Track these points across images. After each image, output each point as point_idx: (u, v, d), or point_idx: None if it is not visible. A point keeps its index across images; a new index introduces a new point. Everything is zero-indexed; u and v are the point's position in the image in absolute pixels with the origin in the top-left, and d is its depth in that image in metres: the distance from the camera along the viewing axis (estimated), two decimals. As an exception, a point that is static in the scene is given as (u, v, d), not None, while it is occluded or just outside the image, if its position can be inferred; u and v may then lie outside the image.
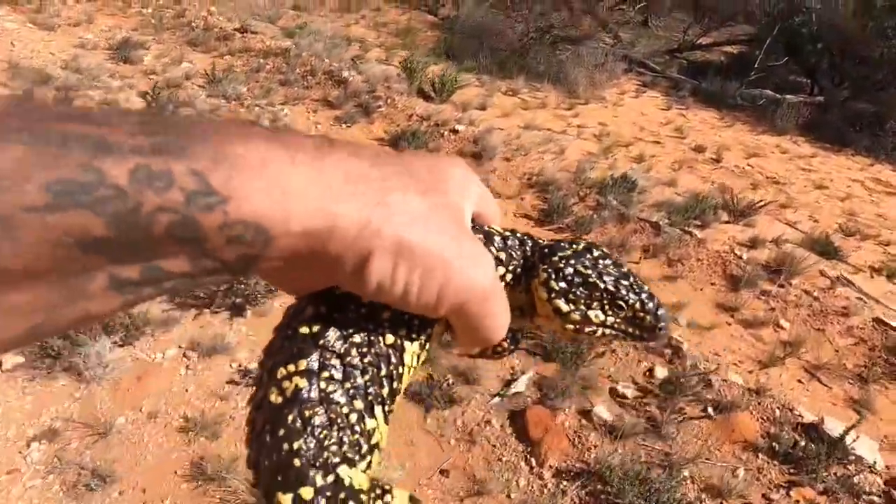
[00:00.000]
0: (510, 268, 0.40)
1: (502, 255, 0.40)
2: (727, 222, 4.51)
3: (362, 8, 10.82)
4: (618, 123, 7.14)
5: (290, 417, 0.31)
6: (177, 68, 6.67)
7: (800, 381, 3.00)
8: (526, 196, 4.42)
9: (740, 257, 3.86)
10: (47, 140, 0.23)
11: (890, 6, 8.88)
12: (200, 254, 0.27)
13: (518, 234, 0.42)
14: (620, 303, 0.39)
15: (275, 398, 0.32)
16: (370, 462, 0.34)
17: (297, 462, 0.30)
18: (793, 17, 10.04)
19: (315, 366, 0.33)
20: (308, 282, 0.34)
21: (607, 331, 0.40)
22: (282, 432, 0.31)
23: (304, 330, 0.34)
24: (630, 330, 0.40)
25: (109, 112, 0.26)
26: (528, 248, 0.41)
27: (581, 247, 0.41)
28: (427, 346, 0.38)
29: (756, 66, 9.91)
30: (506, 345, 0.43)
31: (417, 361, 0.37)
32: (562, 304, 0.38)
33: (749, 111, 8.93)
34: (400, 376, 0.36)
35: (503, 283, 0.38)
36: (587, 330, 0.39)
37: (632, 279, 0.40)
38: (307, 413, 0.31)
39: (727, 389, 2.73)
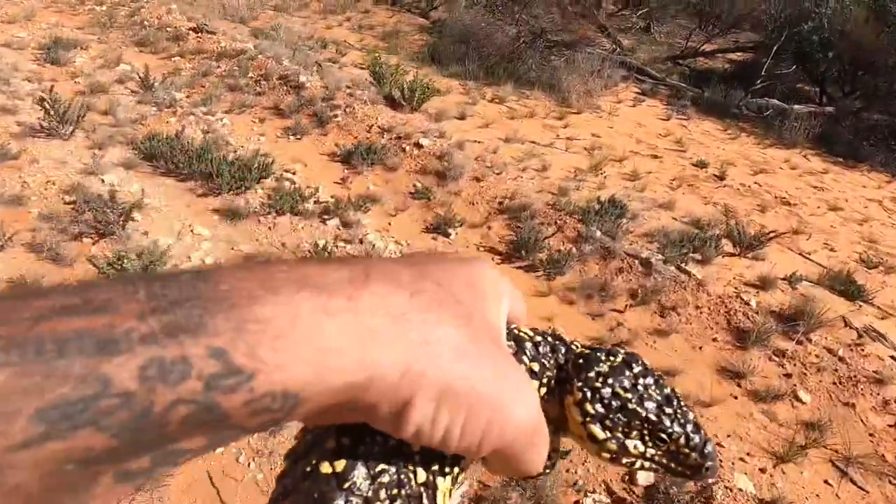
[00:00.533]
0: (544, 380, 0.36)
1: (535, 367, 0.36)
2: (732, 255, 3.79)
3: (350, 10, 10.16)
4: (612, 135, 6.43)
5: None
6: (110, 71, 5.95)
7: (827, 482, 2.30)
8: (494, 224, 3.73)
9: (748, 303, 3.14)
10: (39, 351, 0.20)
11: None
12: (220, 429, 0.24)
13: (549, 338, 0.37)
14: (663, 435, 0.34)
15: None
16: None
17: None
18: (802, 23, 9.30)
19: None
20: (337, 419, 0.29)
21: (646, 463, 0.35)
22: None
23: (326, 469, 0.29)
24: (672, 465, 0.35)
25: (114, 287, 0.23)
26: (560, 356, 0.37)
27: (619, 360, 0.36)
28: (458, 482, 0.34)
29: (763, 73, 9.17)
30: (541, 468, 0.35)
31: (448, 499, 0.33)
32: (597, 431, 0.34)
33: (755, 122, 8.20)
34: None
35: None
36: (624, 461, 0.35)
37: (675, 406, 0.35)
38: None
39: (734, 501, 2.03)
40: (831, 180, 6.51)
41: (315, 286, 0.26)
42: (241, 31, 7.35)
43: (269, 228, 3.81)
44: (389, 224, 4.02)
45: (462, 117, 5.71)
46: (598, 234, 3.39)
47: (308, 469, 0.30)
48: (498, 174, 4.23)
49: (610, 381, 0.35)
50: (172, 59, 6.35)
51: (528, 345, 0.36)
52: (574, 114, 6.89)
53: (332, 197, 4.16)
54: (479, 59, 7.63)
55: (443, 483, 0.32)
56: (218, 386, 0.22)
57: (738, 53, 11.88)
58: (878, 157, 7.40)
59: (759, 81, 9.12)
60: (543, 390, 0.36)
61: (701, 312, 2.96)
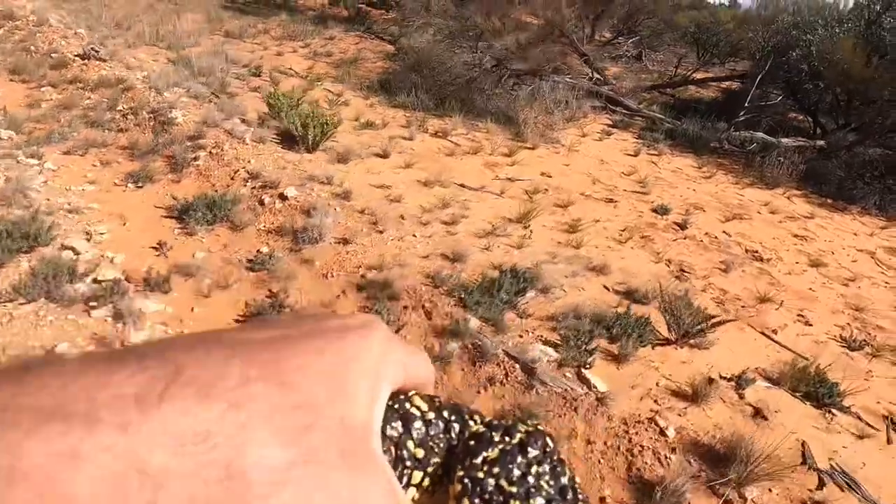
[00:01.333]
0: (429, 469, 0.29)
1: (419, 453, 0.29)
2: (665, 343, 2.88)
3: (314, 36, 9.49)
4: (567, 174, 5.58)
5: None
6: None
7: None
8: (343, 306, 2.89)
9: (664, 432, 2.19)
10: None
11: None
12: None
13: (445, 413, 0.31)
14: None
15: None
16: None
17: None
18: (790, 51, 8.42)
19: None
20: None
21: None
22: None
23: None
24: None
25: None
26: (453, 436, 0.30)
27: (515, 441, 0.29)
28: None
29: (747, 104, 8.28)
30: None
31: None
32: None
33: (736, 158, 7.31)
34: None
35: (421, 490, 0.29)
36: None
37: (569, 501, 0.28)
38: None
39: None
40: (817, 227, 5.57)
41: (69, 416, 0.20)
42: (157, 58, 6.65)
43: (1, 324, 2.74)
44: (192, 311, 3.05)
45: (385, 155, 4.89)
46: (474, 323, 2.49)
47: None
48: (379, 233, 3.36)
49: (496, 470, 0.29)
50: (42, 88, 5.55)
51: (418, 424, 0.30)
52: (527, 149, 6.05)
53: (121, 273, 3.19)
54: (435, 87, 6.86)
55: None
56: None
57: (731, 83, 11.02)
58: (871, 197, 6.46)
59: (742, 113, 8.24)
60: (427, 481, 0.29)
61: (592, 451, 2.03)
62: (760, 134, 8.05)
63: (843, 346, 3.46)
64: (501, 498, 0.28)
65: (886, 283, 4.60)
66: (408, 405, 0.30)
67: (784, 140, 8.15)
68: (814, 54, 7.86)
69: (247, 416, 0.23)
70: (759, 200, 5.94)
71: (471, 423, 0.31)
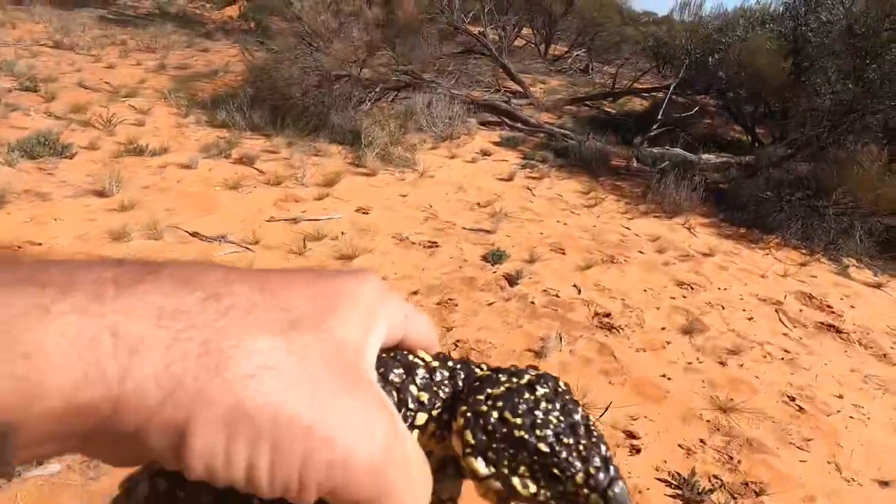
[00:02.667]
0: (434, 412, 0.27)
1: (424, 396, 0.27)
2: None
3: (180, 48, 8.16)
4: (396, 208, 4.24)
5: None
6: None
7: None
8: None
9: None
10: None
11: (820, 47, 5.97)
12: None
13: (451, 363, 0.29)
14: (556, 471, 0.25)
15: None
16: None
17: None
18: (709, 56, 7.19)
19: None
20: (122, 458, 0.23)
21: None
22: None
23: None
24: None
25: None
26: (459, 381, 0.29)
27: (523, 381, 0.28)
28: None
29: (660, 116, 7.02)
30: None
31: None
32: (478, 466, 0.26)
33: (641, 179, 6.00)
34: None
35: (427, 434, 0.27)
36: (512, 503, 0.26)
37: (580, 436, 0.26)
38: None
39: None
40: (714, 268, 4.25)
41: (46, 284, 0.20)
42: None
43: None
44: None
45: (104, 193, 3.52)
46: None
47: None
48: None
49: (500, 404, 0.26)
50: None
51: (421, 371, 0.28)
52: (362, 175, 4.72)
53: None
54: (281, 101, 5.53)
55: None
56: None
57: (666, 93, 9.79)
58: (794, 224, 5.17)
59: (655, 127, 6.96)
60: (433, 425, 0.27)
61: None
62: (677, 150, 6.75)
63: (678, 498, 2.10)
64: (505, 429, 0.26)
65: (785, 352, 3.27)
66: (411, 357, 0.28)
67: (705, 156, 6.86)
68: (732, 59, 6.62)
69: (228, 306, 0.21)
70: (650, 235, 4.62)
71: (477, 370, 0.29)
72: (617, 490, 0.25)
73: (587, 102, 9.48)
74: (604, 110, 9.32)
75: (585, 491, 0.25)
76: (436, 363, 0.29)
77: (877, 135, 6.18)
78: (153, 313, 0.20)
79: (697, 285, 3.91)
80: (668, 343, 3.12)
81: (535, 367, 0.29)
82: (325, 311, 0.24)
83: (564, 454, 0.25)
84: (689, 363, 2.98)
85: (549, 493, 0.26)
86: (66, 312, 0.19)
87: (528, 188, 5.16)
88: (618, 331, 3.14)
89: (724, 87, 7.20)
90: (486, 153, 5.87)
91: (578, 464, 0.25)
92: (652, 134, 6.82)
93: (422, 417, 0.27)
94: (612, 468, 0.26)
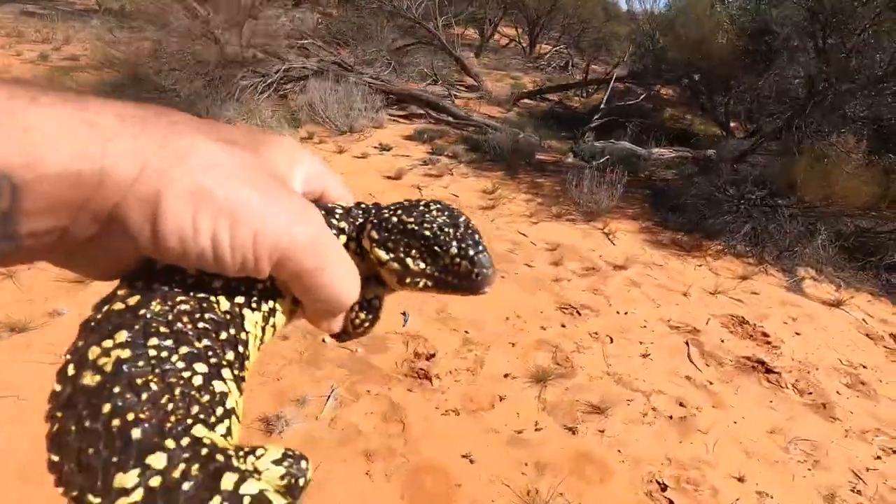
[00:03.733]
0: (353, 235, 0.34)
1: (343, 225, 0.33)
2: None
3: (86, 40, 7.36)
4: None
5: (117, 390, 0.23)
6: None
7: None
8: None
9: None
10: None
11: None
12: None
13: (364, 204, 0.35)
14: (437, 249, 0.32)
15: (90, 380, 0.23)
16: (229, 428, 0.25)
17: (135, 433, 0.22)
18: (653, 39, 6.19)
19: (139, 335, 0.24)
20: (107, 254, 0.26)
21: (428, 281, 0.33)
22: (106, 408, 0.22)
23: (119, 306, 0.25)
24: (448, 279, 0.33)
25: None
26: (371, 213, 0.34)
27: (421, 202, 0.34)
28: (273, 319, 0.31)
29: (603, 105, 6.03)
30: (363, 316, 0.35)
31: (263, 333, 0.30)
32: (381, 254, 0.33)
33: (570, 176, 5.02)
34: (245, 343, 0.28)
35: (349, 252, 0.33)
36: (408, 280, 0.33)
37: (460, 228, 0.33)
38: (139, 381, 0.23)
39: None
40: (624, 284, 3.28)
41: (23, 85, 0.23)
42: None
43: None
44: None
45: None
46: None
47: (98, 316, 0.25)
48: None
49: (399, 211, 0.33)
50: None
51: (339, 210, 0.34)
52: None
53: None
54: (134, 92, 4.68)
55: (250, 315, 0.29)
56: None
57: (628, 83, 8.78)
58: (741, 228, 4.17)
59: (597, 117, 5.98)
60: (354, 244, 0.34)
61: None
62: (624, 143, 5.79)
63: None
64: (401, 226, 0.32)
65: (679, 407, 2.30)
66: (330, 204, 0.34)
67: (657, 150, 5.89)
68: (683, 39, 5.61)
69: (177, 120, 0.26)
70: (550, 242, 3.66)
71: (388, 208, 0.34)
72: (482, 257, 0.32)
73: (547, 96, 8.52)
74: (566, 105, 8.35)
75: (458, 260, 0.32)
76: (352, 205, 0.35)
77: (855, 124, 5.18)
78: (117, 114, 0.24)
79: (589, 308, 2.95)
80: (502, 398, 2.18)
81: (437, 202, 0.34)
82: (258, 143, 0.29)
83: (443, 237, 0.32)
84: (519, 432, 2.03)
85: (433, 268, 0.32)
86: (49, 104, 0.23)
87: (418, 187, 4.24)
88: (432, 380, 2.20)
89: (679, 72, 6.20)
90: (385, 148, 4.96)
91: (454, 243, 0.32)
92: (592, 126, 5.85)
93: (343, 238, 0.33)
94: (480, 245, 0.32)
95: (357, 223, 0.34)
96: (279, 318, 0.31)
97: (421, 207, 0.33)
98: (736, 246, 4.06)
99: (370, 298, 0.34)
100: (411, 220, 0.33)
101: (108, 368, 0.23)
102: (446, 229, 0.32)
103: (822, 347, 2.95)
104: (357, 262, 0.32)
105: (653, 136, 5.93)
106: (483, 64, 11.40)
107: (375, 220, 0.33)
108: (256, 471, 0.25)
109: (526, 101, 8.11)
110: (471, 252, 0.32)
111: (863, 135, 5.24)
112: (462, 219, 0.33)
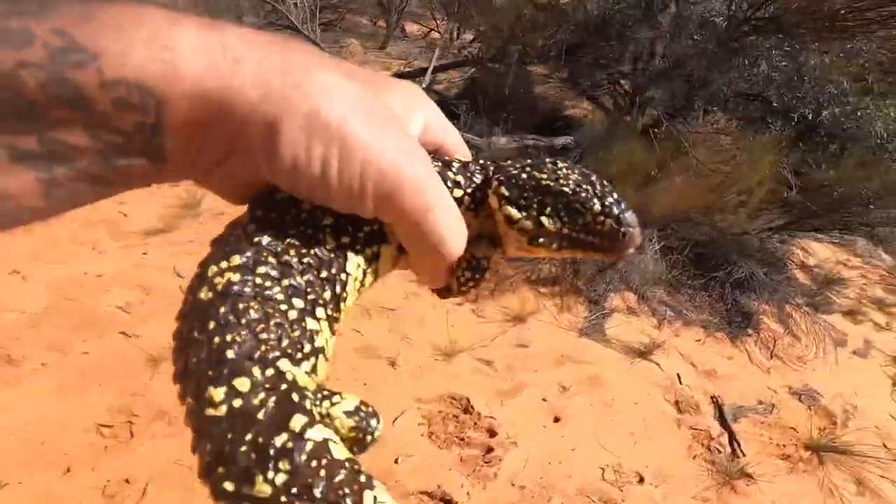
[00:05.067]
0: (469, 190, 0.31)
1: (460, 178, 0.31)
2: None
3: None
4: None
5: (222, 310, 0.24)
6: None
7: None
8: None
9: None
10: None
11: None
12: (95, 122, 0.23)
13: (483, 161, 0.33)
14: (577, 206, 0.29)
15: (204, 295, 0.25)
16: (315, 366, 0.25)
17: (230, 353, 0.23)
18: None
19: (249, 262, 0.25)
20: (236, 177, 0.27)
21: (565, 242, 0.30)
22: (212, 325, 0.24)
23: (239, 232, 0.27)
24: (589, 239, 0.30)
25: None
26: (490, 171, 0.32)
27: (548, 160, 0.31)
28: (375, 264, 0.30)
29: (423, 87, 4.87)
30: (469, 275, 0.32)
31: (364, 276, 0.29)
32: (512, 211, 0.30)
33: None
34: (344, 284, 0.28)
35: (463, 207, 0.31)
36: (542, 241, 0.30)
37: (597, 184, 0.30)
38: (241, 306, 0.24)
39: None
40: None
41: (168, 11, 0.24)
42: None
43: None
44: None
45: None
46: None
47: (224, 238, 0.27)
48: None
49: (528, 168, 0.31)
50: None
51: (456, 164, 0.32)
52: None
53: None
54: None
55: (354, 257, 0.28)
56: (64, 60, 0.21)
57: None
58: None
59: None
60: (468, 199, 0.31)
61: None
62: (468, 135, 4.64)
63: None
64: (533, 182, 0.30)
65: None
66: (448, 158, 0.32)
67: (499, 140, 4.76)
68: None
69: (301, 49, 0.26)
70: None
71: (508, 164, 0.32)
72: (628, 215, 0.29)
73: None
74: (434, 90, 7.15)
75: (601, 218, 0.29)
76: (469, 158, 0.32)
77: (730, 101, 4.16)
78: (247, 39, 0.24)
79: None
80: None
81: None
82: (379, 81, 0.28)
83: (584, 194, 0.29)
84: None
85: (571, 226, 0.30)
86: (190, 25, 0.23)
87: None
88: None
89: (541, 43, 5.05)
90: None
91: (596, 199, 0.29)
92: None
93: (458, 192, 0.30)
94: (623, 203, 0.29)
95: (474, 179, 0.31)
96: (383, 264, 0.30)
97: (549, 165, 0.31)
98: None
99: (479, 258, 0.32)
100: (544, 175, 0.30)
101: (220, 288, 0.24)
102: (584, 185, 0.30)
103: (580, 450, 1.84)
104: (469, 220, 0.30)
105: (507, 122, 4.80)
106: (386, 54, 10.19)
107: (503, 177, 0.30)
108: (329, 416, 0.25)
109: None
110: (615, 210, 0.29)
111: (734, 114, 4.21)
112: (594, 176, 0.31)
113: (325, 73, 0.25)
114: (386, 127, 0.26)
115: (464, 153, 0.33)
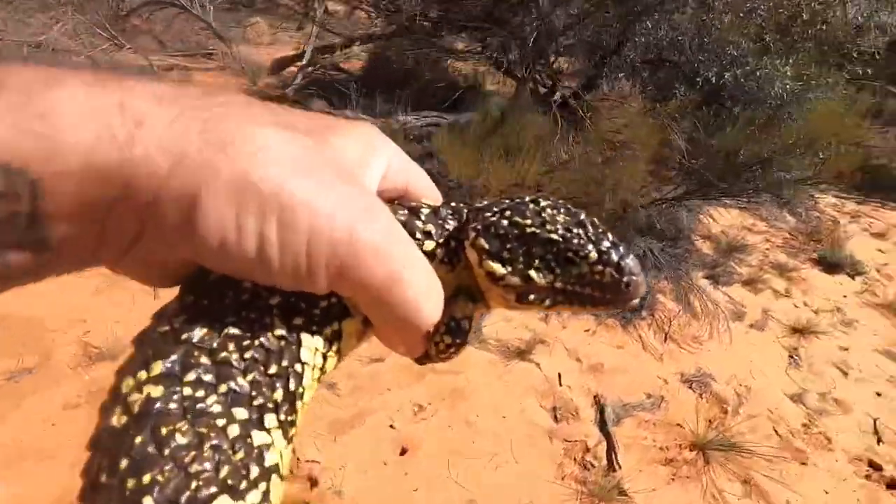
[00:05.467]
0: (441, 240, 0.27)
1: (430, 228, 0.27)
2: None
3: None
4: None
5: (139, 440, 0.19)
6: None
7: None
8: None
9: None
10: None
11: None
12: None
13: (454, 204, 0.28)
14: (570, 255, 0.25)
15: (117, 420, 0.20)
16: (266, 493, 0.20)
17: (147, 501, 0.18)
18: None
19: (175, 368, 0.20)
20: (152, 260, 0.22)
21: (559, 297, 0.26)
22: (125, 463, 0.19)
23: (164, 328, 0.22)
24: (587, 291, 0.25)
25: None
26: (464, 215, 0.28)
27: (527, 198, 0.27)
28: (338, 344, 0.25)
29: (304, 61, 4.39)
30: (448, 339, 0.26)
31: (325, 361, 0.24)
32: (495, 266, 0.25)
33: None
34: (299, 377, 0.23)
35: (436, 261, 0.26)
36: (532, 297, 0.26)
37: (588, 228, 0.26)
38: (164, 431, 0.19)
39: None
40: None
41: (50, 65, 0.20)
42: None
43: None
44: None
45: None
46: None
47: (146, 337, 0.22)
48: None
49: (508, 213, 0.26)
50: None
51: (425, 210, 0.27)
52: None
53: None
54: None
55: (310, 340, 0.23)
56: None
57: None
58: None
59: (297, 81, 4.33)
60: (441, 251, 0.27)
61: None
62: (347, 112, 4.22)
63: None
64: (516, 230, 0.25)
65: None
66: (414, 203, 0.27)
67: (408, 118, 4.38)
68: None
69: (226, 101, 0.21)
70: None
71: (483, 204, 0.28)
72: (629, 261, 0.25)
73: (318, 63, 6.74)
74: (343, 69, 6.62)
75: (599, 267, 0.25)
76: (439, 204, 0.28)
77: (637, 68, 3.98)
78: (153, 95, 0.20)
79: None
80: None
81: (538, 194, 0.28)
82: (323, 128, 0.23)
83: (576, 241, 0.25)
84: None
85: (565, 279, 0.25)
86: (76, 85, 0.19)
87: None
88: None
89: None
90: None
91: (591, 246, 0.25)
92: (292, 88, 4.19)
93: (429, 244, 0.26)
94: (621, 247, 0.25)
95: (446, 226, 0.27)
96: (346, 341, 0.25)
97: (531, 206, 0.26)
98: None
99: (459, 319, 0.27)
100: (528, 220, 0.26)
101: (137, 409, 0.20)
102: (575, 229, 0.25)
103: (425, 489, 1.54)
104: (444, 275, 0.26)
105: (411, 100, 4.39)
106: (304, 34, 9.42)
107: (480, 226, 0.26)
108: None
109: (309, 68, 6.29)
110: (614, 256, 0.25)
111: (645, 79, 4.04)
112: (583, 215, 0.26)
113: (256, 126, 0.21)
114: (335, 185, 0.21)
115: (433, 196, 0.28)
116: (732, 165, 3.65)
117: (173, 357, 0.20)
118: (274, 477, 0.21)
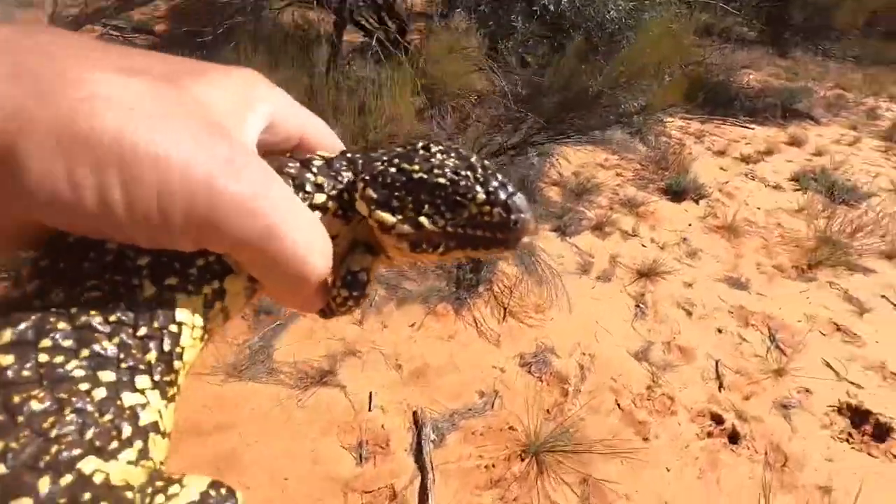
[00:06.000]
0: (334, 193, 0.25)
1: (322, 180, 0.25)
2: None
3: None
4: None
5: None
6: None
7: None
8: None
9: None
10: None
11: None
12: None
13: (350, 154, 0.26)
14: (458, 198, 0.24)
15: None
16: (143, 450, 0.20)
17: (1, 469, 0.17)
18: None
19: (29, 334, 0.19)
20: None
21: (451, 242, 0.25)
22: None
23: (18, 295, 0.20)
24: (478, 234, 0.24)
25: None
26: (359, 166, 0.26)
27: (418, 144, 0.26)
28: (221, 303, 0.23)
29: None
30: (346, 293, 0.26)
31: (206, 321, 0.22)
32: (385, 216, 0.24)
33: None
34: (176, 337, 0.21)
35: (329, 214, 0.25)
36: (425, 245, 0.25)
37: (478, 169, 0.25)
38: (16, 399, 0.18)
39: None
40: None
41: None
42: None
43: None
44: None
45: None
46: None
47: None
48: None
49: (396, 160, 0.25)
50: None
51: (317, 162, 0.25)
52: None
53: None
54: None
55: (185, 299, 0.22)
56: None
57: None
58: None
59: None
60: (334, 204, 0.25)
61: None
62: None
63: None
64: (404, 178, 0.24)
65: None
66: (308, 156, 0.25)
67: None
68: None
69: (60, 42, 0.19)
70: None
71: (378, 153, 0.26)
72: (517, 199, 0.25)
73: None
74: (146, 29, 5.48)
75: (487, 207, 0.24)
76: (333, 156, 0.26)
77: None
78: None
79: None
80: None
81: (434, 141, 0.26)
82: (184, 74, 0.20)
83: (464, 182, 0.24)
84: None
85: (455, 222, 0.25)
86: None
87: None
88: None
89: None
90: None
91: (478, 187, 0.24)
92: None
93: (320, 197, 0.25)
94: (509, 186, 0.25)
95: (340, 178, 0.25)
96: (232, 299, 0.23)
97: (421, 151, 0.25)
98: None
99: (356, 271, 0.26)
100: (416, 167, 0.24)
101: None
102: (463, 171, 0.24)
103: None
104: (338, 228, 0.25)
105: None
106: None
107: (368, 176, 0.25)
108: None
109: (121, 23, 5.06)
110: (501, 195, 0.24)
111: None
112: (474, 158, 0.25)
113: (91, 71, 0.18)
114: (190, 134, 0.19)
115: (331, 146, 0.26)
116: (581, 100, 3.39)
117: (25, 324, 0.19)
118: (152, 434, 0.20)
